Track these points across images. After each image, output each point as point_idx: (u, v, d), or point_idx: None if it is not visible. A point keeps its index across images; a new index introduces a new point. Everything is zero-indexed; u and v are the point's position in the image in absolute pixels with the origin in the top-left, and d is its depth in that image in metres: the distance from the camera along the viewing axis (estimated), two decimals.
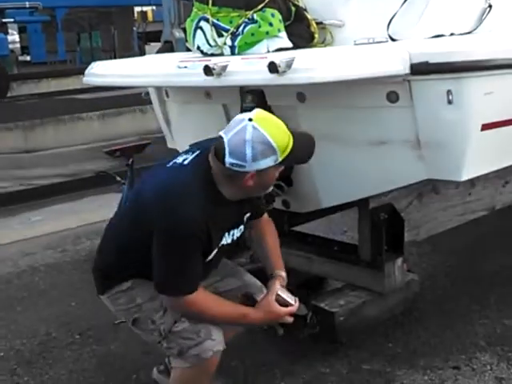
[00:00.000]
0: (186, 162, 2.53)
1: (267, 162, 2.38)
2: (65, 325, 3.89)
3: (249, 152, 2.34)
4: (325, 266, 3.68)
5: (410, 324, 3.64)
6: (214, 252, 2.57)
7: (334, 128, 3.08)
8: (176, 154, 2.68)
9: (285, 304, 2.63)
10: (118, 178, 5.19)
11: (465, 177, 2.90)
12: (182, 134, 3.86)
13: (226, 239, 2.61)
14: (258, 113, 2.44)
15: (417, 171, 2.96)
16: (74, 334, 3.76)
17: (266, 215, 2.90)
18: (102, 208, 6.34)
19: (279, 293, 2.64)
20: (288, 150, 2.41)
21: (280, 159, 2.40)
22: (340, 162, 3.14)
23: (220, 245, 2.59)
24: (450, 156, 2.84)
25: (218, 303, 2.55)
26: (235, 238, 2.67)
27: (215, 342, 2.52)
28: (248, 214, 2.73)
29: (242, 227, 2.71)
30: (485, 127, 2.82)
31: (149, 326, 2.60)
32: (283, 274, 2.78)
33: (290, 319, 2.65)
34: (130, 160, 4.87)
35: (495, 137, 2.91)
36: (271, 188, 2.63)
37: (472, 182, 3.56)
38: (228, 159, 2.37)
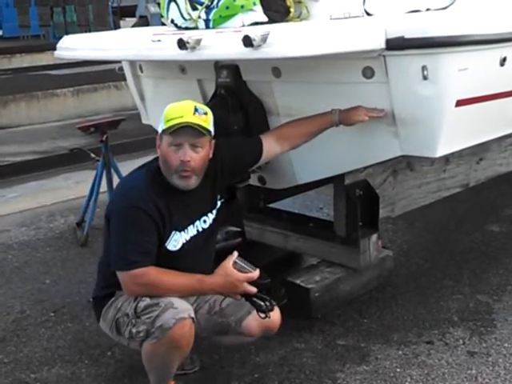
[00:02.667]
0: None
1: (161, 125, 2.62)
2: (39, 302, 3.86)
3: None
4: (300, 242, 3.69)
5: (385, 300, 3.67)
6: (179, 239, 2.63)
7: (309, 103, 3.06)
8: None
9: (243, 271, 2.57)
10: (93, 155, 5.15)
11: (439, 153, 2.91)
12: (157, 110, 3.80)
13: (197, 227, 2.72)
14: None
15: (392, 147, 2.96)
16: (49, 312, 3.73)
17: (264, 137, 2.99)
18: (76, 185, 6.30)
19: (236, 260, 2.59)
20: (171, 123, 2.55)
21: (164, 127, 2.58)
22: (315, 138, 3.12)
23: (191, 234, 2.68)
24: (424, 132, 2.84)
25: (171, 273, 2.56)
26: (207, 225, 2.75)
27: (177, 310, 2.48)
28: (220, 201, 2.82)
29: (211, 214, 2.78)
30: (459, 103, 2.82)
31: (125, 323, 2.59)
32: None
33: (252, 289, 2.58)
34: (105, 136, 4.82)
35: (470, 113, 2.91)
36: (177, 172, 2.59)
37: (446, 159, 3.58)
38: None
